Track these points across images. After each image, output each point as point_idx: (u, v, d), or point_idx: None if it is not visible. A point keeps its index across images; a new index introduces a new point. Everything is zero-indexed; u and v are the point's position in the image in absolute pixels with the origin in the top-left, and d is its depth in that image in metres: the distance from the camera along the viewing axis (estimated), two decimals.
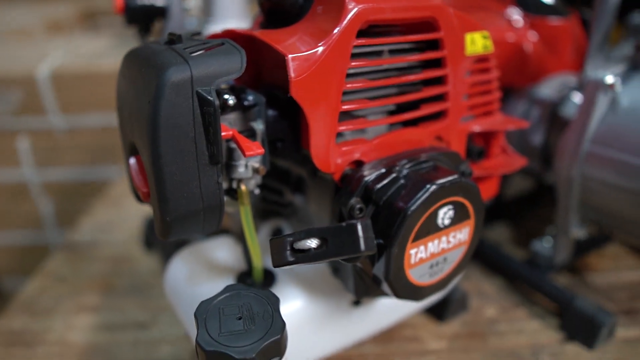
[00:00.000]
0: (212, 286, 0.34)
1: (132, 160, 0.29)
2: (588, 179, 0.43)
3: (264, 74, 0.32)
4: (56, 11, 1.35)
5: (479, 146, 0.39)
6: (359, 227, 0.24)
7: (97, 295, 0.50)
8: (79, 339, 0.44)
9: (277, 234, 0.39)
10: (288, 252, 0.24)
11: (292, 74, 0.25)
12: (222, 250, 0.38)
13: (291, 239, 0.24)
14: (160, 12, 0.44)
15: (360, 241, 0.24)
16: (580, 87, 0.46)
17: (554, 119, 0.50)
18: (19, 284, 1.05)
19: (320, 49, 0.26)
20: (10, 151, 0.91)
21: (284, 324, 0.25)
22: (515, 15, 0.52)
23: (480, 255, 0.53)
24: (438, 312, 0.46)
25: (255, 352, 0.24)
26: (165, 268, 0.38)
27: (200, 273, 0.35)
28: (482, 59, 0.35)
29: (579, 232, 0.47)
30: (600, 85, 0.41)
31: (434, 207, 0.28)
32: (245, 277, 0.35)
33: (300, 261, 0.24)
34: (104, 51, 0.99)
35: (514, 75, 0.51)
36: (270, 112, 0.30)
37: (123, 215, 0.67)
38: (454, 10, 0.33)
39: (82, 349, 0.43)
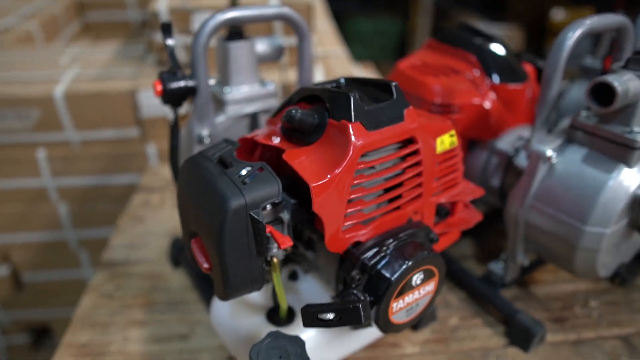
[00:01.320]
0: (250, 321, 0.46)
1: (194, 242, 0.41)
2: (529, 224, 0.56)
3: (285, 168, 0.43)
4: (45, 6, 1.39)
5: (445, 208, 0.51)
6: (361, 309, 0.36)
7: (142, 310, 0.62)
8: (135, 349, 0.57)
9: (293, 275, 0.51)
10: (315, 319, 0.37)
11: (314, 197, 0.37)
12: None
13: (317, 311, 0.37)
14: (192, 91, 0.54)
15: (362, 318, 0.36)
16: (527, 150, 0.58)
17: (509, 166, 0.62)
18: (38, 277, 1.17)
19: (331, 176, 0.38)
20: (30, 162, 1.00)
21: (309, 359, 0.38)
22: (479, 79, 0.63)
23: (447, 271, 0.66)
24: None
25: None
26: (211, 305, 0.50)
27: (239, 310, 0.48)
28: (449, 151, 0.47)
29: (523, 259, 0.60)
30: (542, 157, 0.53)
31: (409, 276, 0.41)
32: (273, 313, 0.47)
33: (322, 326, 0.37)
34: (111, 65, 1.07)
35: (478, 130, 0.63)
36: (292, 202, 0.42)
37: (149, 233, 0.78)
38: (427, 120, 0.44)
39: (140, 357, 0.55)
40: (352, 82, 0.45)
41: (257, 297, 0.49)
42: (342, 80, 0.45)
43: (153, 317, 0.61)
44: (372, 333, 0.53)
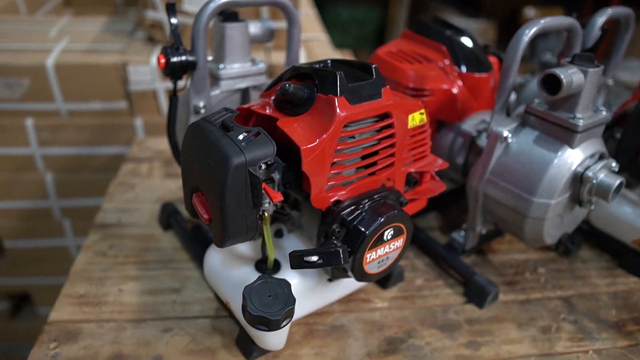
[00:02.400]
0: (240, 271, 0.52)
1: (195, 197, 0.47)
2: (487, 196, 0.64)
3: (276, 135, 0.49)
4: None
5: (414, 178, 0.58)
6: (341, 252, 0.43)
7: (135, 267, 0.68)
8: (131, 300, 0.62)
9: (278, 233, 0.58)
10: (301, 261, 0.43)
11: (304, 158, 0.43)
12: (241, 245, 0.56)
13: (303, 254, 0.43)
14: (192, 65, 0.59)
15: (342, 260, 0.43)
16: (487, 131, 0.65)
17: (472, 146, 0.70)
18: (21, 244, 1.19)
19: (319, 141, 0.44)
20: (19, 130, 1.03)
21: (294, 299, 0.44)
22: (449, 67, 0.70)
23: (415, 239, 0.74)
24: (383, 282, 0.67)
25: (280, 315, 0.43)
26: (205, 257, 0.56)
27: (230, 261, 0.54)
28: (419, 127, 0.53)
29: (481, 228, 0.68)
30: (499, 137, 0.61)
31: (381, 230, 0.48)
32: (261, 264, 0.53)
33: (308, 267, 0.43)
34: (101, 39, 1.09)
35: (446, 113, 0.70)
36: (283, 164, 0.48)
37: (139, 200, 0.83)
38: (402, 99, 0.51)
39: (135, 308, 0.61)
40: (338, 63, 0.51)
41: (246, 250, 0.56)
42: (329, 62, 0.51)
43: (146, 274, 0.67)
44: (346, 286, 0.60)
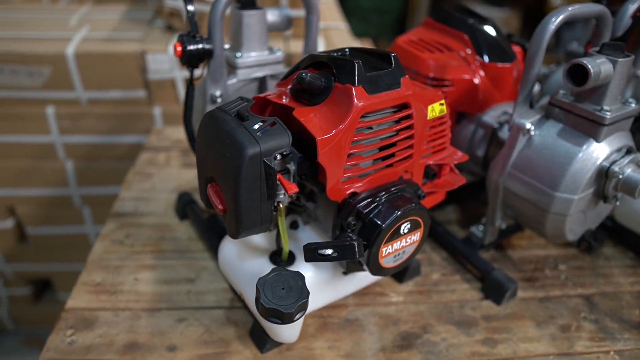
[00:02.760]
0: (255, 262, 0.52)
1: (210, 187, 0.46)
2: (507, 190, 0.62)
3: (292, 125, 0.49)
4: None
5: (433, 170, 0.57)
6: (356, 246, 0.42)
7: (151, 256, 0.68)
8: (146, 289, 0.62)
9: (293, 225, 0.57)
10: (315, 254, 0.43)
11: (320, 148, 0.42)
12: (257, 236, 0.56)
13: (318, 247, 0.43)
14: (209, 53, 0.58)
15: (357, 253, 0.42)
16: (509, 123, 0.63)
17: (493, 138, 0.68)
18: (42, 231, 1.22)
19: (335, 131, 0.43)
20: (40, 118, 1.04)
21: (308, 292, 0.44)
22: (470, 57, 0.68)
23: (432, 233, 0.72)
24: (399, 276, 0.66)
25: (294, 308, 0.42)
26: (219, 248, 0.56)
27: (245, 253, 0.54)
28: (438, 118, 0.52)
29: (501, 223, 0.67)
30: (522, 129, 0.59)
31: (398, 224, 0.47)
32: (275, 256, 0.53)
33: (322, 260, 0.43)
34: (120, 27, 1.10)
35: (467, 104, 0.68)
36: (298, 155, 0.47)
37: (156, 189, 0.83)
38: (423, 90, 0.49)
39: (150, 296, 0.61)
40: (356, 51, 0.50)
41: (261, 242, 0.55)
42: (347, 50, 0.50)
43: (162, 263, 0.67)
44: (361, 280, 0.59)
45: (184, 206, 0.74)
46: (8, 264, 1.26)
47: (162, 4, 1.04)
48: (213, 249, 0.67)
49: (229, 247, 0.55)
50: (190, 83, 0.60)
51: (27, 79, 0.97)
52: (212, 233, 0.68)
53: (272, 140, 0.41)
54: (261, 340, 0.54)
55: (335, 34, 1.16)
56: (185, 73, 1.02)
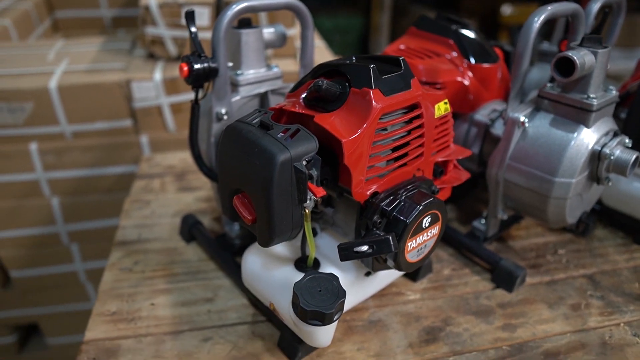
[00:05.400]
0: (282, 271, 0.53)
1: (237, 199, 0.47)
2: (508, 182, 0.65)
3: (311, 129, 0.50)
4: (15, 3, 1.38)
5: (440, 167, 0.59)
6: (391, 239, 0.44)
7: (164, 280, 0.67)
8: (165, 313, 0.61)
9: (313, 231, 0.58)
10: (351, 252, 0.44)
11: (346, 151, 0.44)
12: (278, 245, 0.56)
13: (352, 245, 0.44)
14: (214, 72, 0.59)
15: (392, 246, 0.43)
16: (504, 118, 0.67)
17: (486, 135, 0.72)
18: (28, 274, 1.17)
19: (359, 133, 0.45)
20: (23, 155, 1.01)
21: (344, 291, 0.45)
22: (458, 60, 0.72)
23: None
24: (413, 274, 0.67)
25: (334, 308, 0.43)
26: (242, 262, 0.56)
27: (270, 263, 0.54)
28: (444, 117, 0.55)
29: (502, 215, 0.70)
30: (516, 122, 0.62)
31: (421, 218, 0.49)
32: (300, 262, 0.54)
33: (359, 257, 0.44)
34: (100, 59, 1.09)
35: (459, 105, 0.72)
36: (320, 160, 0.48)
37: (157, 215, 0.82)
38: (427, 91, 0.52)
39: (171, 320, 0.60)
40: (363, 58, 0.52)
41: (283, 251, 0.56)
42: (354, 58, 0.52)
43: (176, 286, 0.66)
44: (381, 280, 0.60)
45: (190, 228, 0.74)
46: None
47: (143, 33, 1.05)
48: (227, 266, 0.67)
49: (252, 259, 0.56)
50: (195, 103, 0.61)
51: (9, 115, 0.95)
52: (223, 251, 0.68)
53: (301, 146, 0.43)
54: (292, 349, 0.54)
55: (316, 51, 1.19)
56: (172, 99, 1.02)
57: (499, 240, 0.76)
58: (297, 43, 1.25)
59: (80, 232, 1.13)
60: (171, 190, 0.90)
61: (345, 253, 0.44)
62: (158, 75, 0.99)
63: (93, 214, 1.10)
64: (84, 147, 1.03)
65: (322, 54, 1.20)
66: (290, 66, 1.09)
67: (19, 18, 1.32)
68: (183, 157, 1.01)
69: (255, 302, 0.61)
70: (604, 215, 0.80)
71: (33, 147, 1.00)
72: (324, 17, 2.97)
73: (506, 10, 2.70)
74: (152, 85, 0.99)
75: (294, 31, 1.13)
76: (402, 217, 0.48)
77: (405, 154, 0.52)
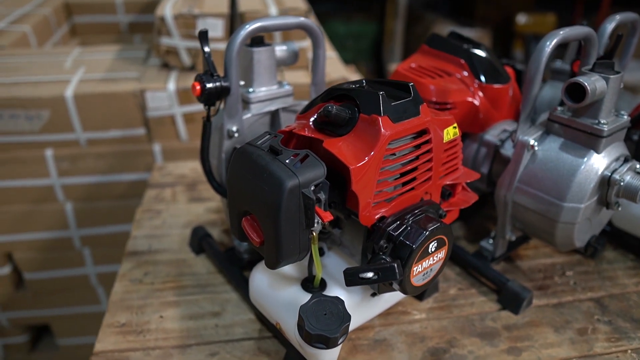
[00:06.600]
0: (288, 291, 0.53)
1: (245, 221, 0.48)
2: (516, 204, 0.65)
3: (318, 156, 0.51)
4: (35, 9, 1.41)
5: (448, 190, 0.59)
6: (396, 267, 0.44)
7: (173, 293, 0.68)
8: (173, 326, 0.63)
9: (319, 251, 0.59)
10: (357, 278, 0.44)
11: (354, 177, 0.45)
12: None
13: (358, 272, 0.44)
14: (226, 91, 0.60)
15: (397, 274, 0.44)
16: (513, 140, 0.67)
17: (496, 156, 0.72)
18: (40, 276, 1.19)
19: (367, 159, 0.45)
20: (39, 161, 1.03)
21: (349, 315, 0.45)
22: (469, 80, 0.72)
23: None
24: (419, 294, 0.67)
25: (339, 332, 0.44)
26: (250, 280, 0.57)
27: (276, 282, 0.55)
28: (452, 140, 0.55)
29: (511, 236, 0.70)
30: (526, 145, 0.63)
31: (427, 243, 0.49)
32: (307, 282, 0.54)
33: (364, 283, 0.44)
34: (116, 67, 1.11)
35: (469, 125, 0.72)
36: (328, 184, 0.49)
37: (167, 225, 0.84)
38: (436, 115, 0.52)
39: (178, 333, 0.61)
40: (373, 83, 0.53)
41: (290, 270, 0.56)
42: (364, 82, 0.53)
43: (185, 299, 0.67)
44: (387, 300, 0.61)
45: (200, 240, 0.75)
46: (4, 312, 1.23)
47: (158, 43, 1.06)
48: (234, 281, 0.68)
49: (259, 278, 0.57)
50: (207, 120, 0.62)
51: (26, 123, 0.97)
52: (232, 265, 0.69)
53: (309, 172, 0.43)
54: None
55: (327, 62, 1.20)
56: (185, 109, 1.04)
57: (507, 260, 0.76)
58: (309, 54, 1.26)
59: (92, 237, 1.15)
60: (182, 201, 0.91)
61: (351, 279, 0.45)
62: (172, 85, 1.01)
63: (105, 220, 1.12)
64: (98, 154, 1.04)
65: (334, 65, 1.20)
66: (301, 78, 1.10)
67: (39, 24, 1.35)
68: (194, 167, 1.02)
69: (261, 317, 0.62)
70: (614, 237, 0.79)
71: (49, 153, 1.02)
72: (338, 22, 2.99)
73: (521, 19, 2.69)
74: (165, 95, 1.00)
75: (306, 43, 1.14)
76: (408, 242, 0.48)
77: (414, 179, 0.52)
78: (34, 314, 1.25)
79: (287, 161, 0.44)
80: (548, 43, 0.59)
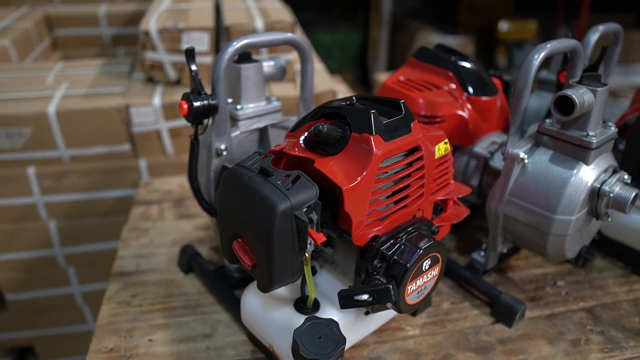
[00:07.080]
0: (281, 313, 0.52)
1: (236, 244, 0.47)
2: (507, 216, 0.65)
3: (309, 175, 0.50)
4: (15, 22, 1.38)
5: (440, 205, 0.59)
6: (391, 289, 0.43)
7: (162, 315, 0.67)
8: (163, 350, 0.61)
9: (312, 270, 0.58)
10: (351, 301, 0.44)
11: (346, 198, 0.44)
12: None
13: (353, 294, 0.44)
14: (214, 109, 0.59)
15: (392, 296, 0.43)
16: (503, 153, 0.66)
17: (485, 168, 0.72)
18: (24, 296, 1.16)
19: (359, 180, 0.45)
20: (21, 179, 1.01)
21: (344, 338, 0.44)
22: (457, 92, 0.72)
23: None
24: None
25: (334, 356, 0.43)
26: (241, 302, 0.56)
27: (269, 304, 0.54)
28: (444, 156, 0.55)
29: (502, 248, 0.69)
30: (516, 158, 0.63)
31: (421, 261, 0.48)
32: (300, 303, 0.53)
33: (359, 306, 0.44)
34: (99, 82, 1.09)
35: (459, 137, 0.72)
36: (320, 204, 0.48)
37: (154, 244, 0.82)
38: (428, 132, 0.52)
39: (169, 358, 0.60)
40: (364, 100, 0.52)
41: (283, 291, 0.55)
42: (354, 99, 0.52)
43: (174, 321, 0.66)
44: (380, 318, 0.60)
45: (188, 259, 0.74)
46: None
47: (143, 57, 1.05)
48: (225, 301, 0.66)
49: (251, 299, 0.55)
50: (195, 139, 0.61)
51: (7, 141, 0.95)
52: (222, 285, 0.68)
53: (301, 194, 0.43)
54: None
55: (315, 74, 1.20)
56: (171, 124, 1.02)
57: (498, 271, 0.76)
58: (296, 66, 1.25)
59: (77, 256, 1.12)
60: (169, 218, 0.89)
61: (346, 302, 0.44)
62: (157, 100, 0.99)
63: (90, 237, 1.10)
64: (82, 171, 1.02)
65: (321, 77, 1.20)
66: (289, 91, 1.09)
67: (19, 38, 1.32)
68: (181, 182, 1.00)
69: (253, 338, 0.61)
70: (603, 246, 0.79)
71: (31, 171, 1.00)
72: (322, 31, 3.00)
73: (503, 26, 2.73)
74: (151, 110, 0.99)
75: (293, 56, 1.14)
76: (402, 261, 0.47)
77: (406, 196, 0.51)
78: (17, 336, 1.22)
79: (278, 182, 0.43)
80: (536, 57, 0.59)
